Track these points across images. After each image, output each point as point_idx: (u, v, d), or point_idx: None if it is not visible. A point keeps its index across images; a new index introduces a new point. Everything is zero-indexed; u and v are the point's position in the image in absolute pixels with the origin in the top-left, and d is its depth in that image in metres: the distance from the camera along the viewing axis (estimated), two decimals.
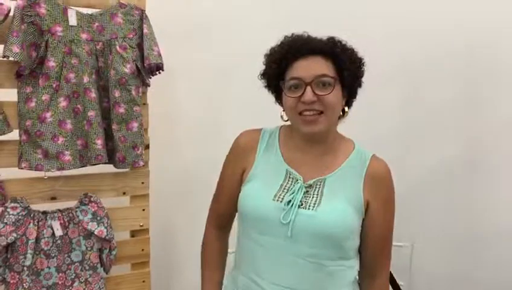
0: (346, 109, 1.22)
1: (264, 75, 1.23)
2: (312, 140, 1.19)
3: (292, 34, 1.20)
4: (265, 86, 1.25)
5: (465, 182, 2.22)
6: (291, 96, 1.13)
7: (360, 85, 1.22)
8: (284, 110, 1.21)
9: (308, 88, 1.11)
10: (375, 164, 1.21)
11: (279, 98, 1.23)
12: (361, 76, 1.21)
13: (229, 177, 1.28)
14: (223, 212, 1.31)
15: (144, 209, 1.69)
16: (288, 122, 1.23)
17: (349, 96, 1.22)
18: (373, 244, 1.21)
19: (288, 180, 1.18)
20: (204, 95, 1.96)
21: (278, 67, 1.17)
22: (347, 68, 1.15)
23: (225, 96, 1.96)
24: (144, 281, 1.70)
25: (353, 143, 1.26)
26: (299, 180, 1.17)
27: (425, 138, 2.20)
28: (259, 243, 1.17)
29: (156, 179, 1.72)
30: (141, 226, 1.69)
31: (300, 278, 1.15)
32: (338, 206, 1.15)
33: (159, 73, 1.63)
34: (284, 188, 1.17)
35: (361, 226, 1.19)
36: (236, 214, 1.27)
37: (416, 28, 2.12)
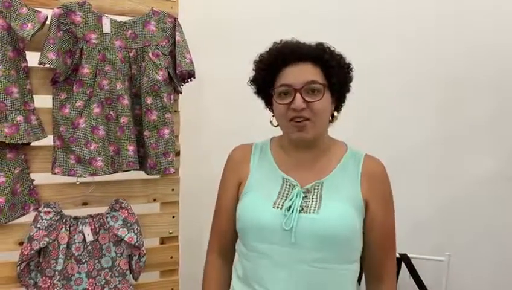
0: (335, 113, 1.22)
1: (254, 81, 1.25)
2: (303, 146, 1.20)
3: (281, 40, 1.21)
4: (255, 92, 1.26)
5: (504, 195, 2.14)
6: (281, 102, 1.14)
7: (348, 90, 1.23)
8: (273, 116, 1.23)
9: (298, 95, 1.11)
10: (369, 162, 1.21)
11: (268, 104, 1.25)
12: (350, 81, 1.22)
13: (226, 192, 1.27)
14: (225, 233, 1.28)
15: (173, 217, 1.68)
16: (278, 132, 1.24)
17: (338, 101, 1.22)
18: (377, 245, 1.20)
19: (286, 187, 1.18)
20: (234, 103, 1.96)
21: (268, 74, 1.18)
22: (336, 74, 1.16)
23: (254, 103, 1.95)
24: (172, 289, 1.69)
25: (345, 145, 1.26)
26: (296, 186, 1.17)
27: (463, 150, 2.15)
28: (263, 252, 1.15)
29: (186, 187, 1.72)
30: (171, 233, 1.68)
31: (308, 285, 1.12)
32: (339, 207, 1.14)
33: (191, 80, 1.63)
34: (283, 195, 1.16)
35: (362, 227, 1.18)
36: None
37: (456, 40, 2.09)
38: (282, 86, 1.14)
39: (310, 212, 1.13)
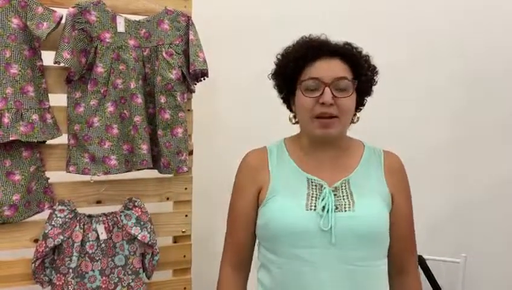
0: (357, 114, 1.20)
1: (276, 74, 1.21)
2: (323, 144, 1.17)
3: (310, 35, 1.19)
4: (275, 86, 1.23)
5: None
6: (309, 96, 1.11)
7: (370, 93, 1.21)
8: (293, 114, 1.21)
9: (327, 89, 1.09)
10: (390, 157, 1.22)
11: (287, 101, 1.22)
12: (374, 84, 1.20)
13: (243, 201, 1.21)
14: (243, 244, 1.22)
15: (186, 215, 1.68)
16: (293, 130, 1.21)
17: (359, 103, 1.19)
18: (401, 238, 1.19)
19: (313, 188, 1.15)
20: (247, 102, 1.95)
21: (296, 66, 1.14)
22: (364, 74, 1.15)
23: (268, 103, 1.94)
24: (185, 288, 1.69)
25: (361, 142, 1.25)
26: (324, 186, 1.14)
27: (480, 151, 2.12)
28: (302, 257, 1.10)
29: (198, 186, 1.72)
30: (183, 232, 1.68)
31: (352, 284, 1.10)
32: (372, 202, 1.13)
33: (204, 79, 1.63)
34: (312, 196, 1.13)
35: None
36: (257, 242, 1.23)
37: (475, 40, 2.06)
38: (311, 79, 1.11)
39: (345, 210, 1.10)
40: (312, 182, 1.16)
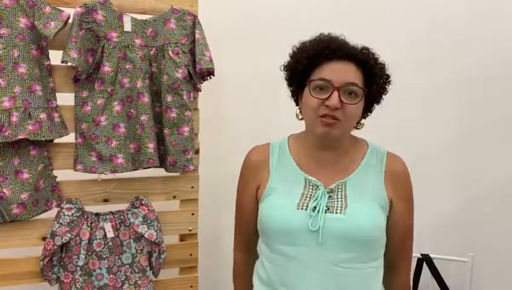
0: (362, 120, 1.19)
1: (289, 67, 1.20)
2: (325, 144, 1.17)
3: (329, 33, 1.17)
4: (286, 79, 1.21)
5: None
6: (316, 97, 1.10)
7: (379, 102, 1.20)
8: (299, 109, 1.19)
9: (335, 93, 1.08)
10: (392, 160, 1.20)
11: (296, 95, 1.21)
12: (385, 93, 1.19)
13: (245, 195, 1.26)
14: (247, 233, 1.29)
15: (193, 214, 1.69)
16: (299, 128, 1.21)
17: (366, 110, 1.18)
18: (397, 242, 1.20)
19: (309, 188, 1.15)
20: (253, 101, 1.96)
21: (309, 63, 1.13)
22: (376, 82, 1.13)
23: (274, 102, 1.94)
24: (191, 286, 1.70)
25: (366, 142, 1.24)
26: (320, 187, 1.14)
27: (488, 150, 2.11)
28: (289, 255, 1.13)
29: (205, 185, 1.72)
30: (190, 230, 1.69)
31: (337, 285, 1.11)
32: (365, 206, 1.13)
33: (210, 78, 1.64)
34: (306, 196, 1.14)
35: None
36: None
37: (483, 39, 2.04)
38: (321, 80, 1.10)
39: (336, 213, 1.11)
40: (309, 183, 1.17)
